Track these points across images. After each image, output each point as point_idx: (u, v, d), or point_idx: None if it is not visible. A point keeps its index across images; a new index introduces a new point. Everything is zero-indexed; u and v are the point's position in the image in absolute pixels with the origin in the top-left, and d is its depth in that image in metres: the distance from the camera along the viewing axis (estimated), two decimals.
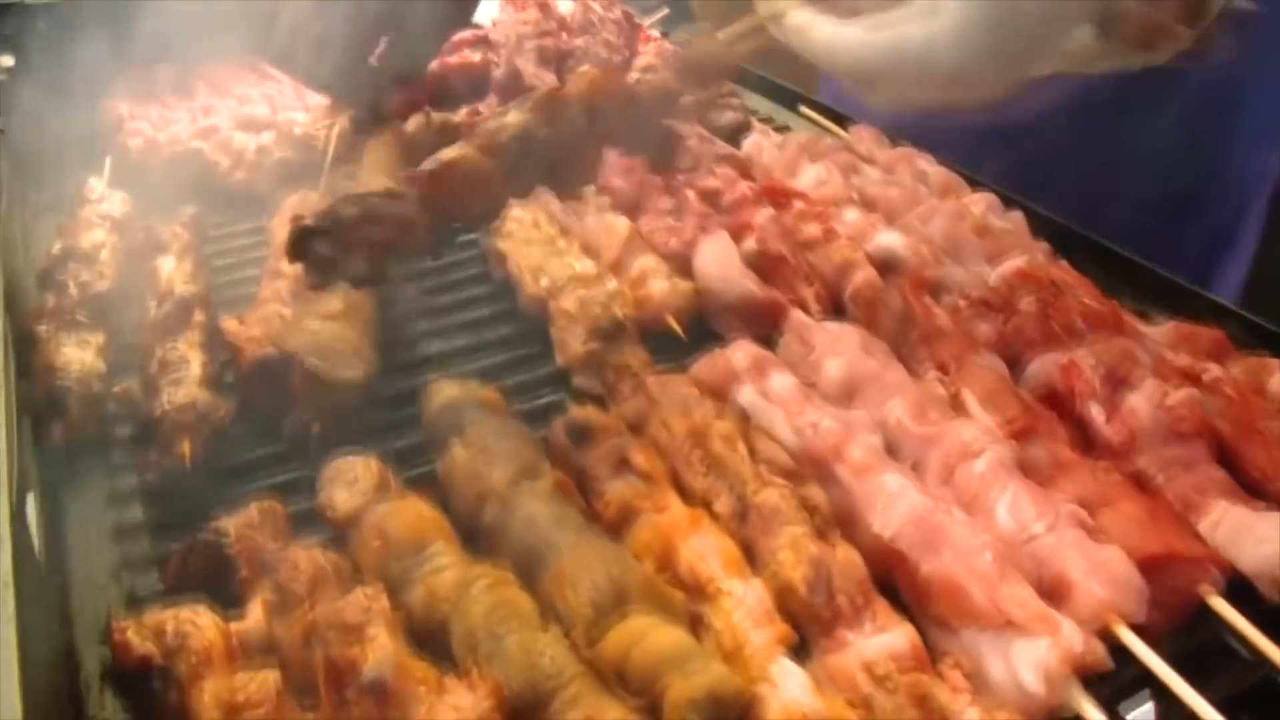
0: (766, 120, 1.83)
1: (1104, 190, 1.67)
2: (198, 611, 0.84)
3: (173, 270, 1.26)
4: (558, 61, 1.68)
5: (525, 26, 1.77)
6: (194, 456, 1.02)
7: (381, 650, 0.77)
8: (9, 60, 1.73)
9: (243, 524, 0.91)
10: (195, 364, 1.11)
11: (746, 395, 1.08)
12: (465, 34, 1.87)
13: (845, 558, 0.88)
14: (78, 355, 1.15)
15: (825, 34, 1.12)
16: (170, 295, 1.19)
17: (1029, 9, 1.01)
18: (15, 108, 1.67)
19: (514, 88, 1.60)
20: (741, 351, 1.13)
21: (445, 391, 1.06)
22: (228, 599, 0.89)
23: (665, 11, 2.12)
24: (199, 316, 1.19)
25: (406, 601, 0.86)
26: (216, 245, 1.47)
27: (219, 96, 1.82)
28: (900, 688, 0.79)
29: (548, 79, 1.61)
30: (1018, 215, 1.44)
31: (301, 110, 1.75)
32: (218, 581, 0.90)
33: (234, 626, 0.85)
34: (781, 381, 1.09)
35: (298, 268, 1.23)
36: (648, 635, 0.80)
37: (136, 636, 0.81)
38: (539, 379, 1.20)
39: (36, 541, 0.96)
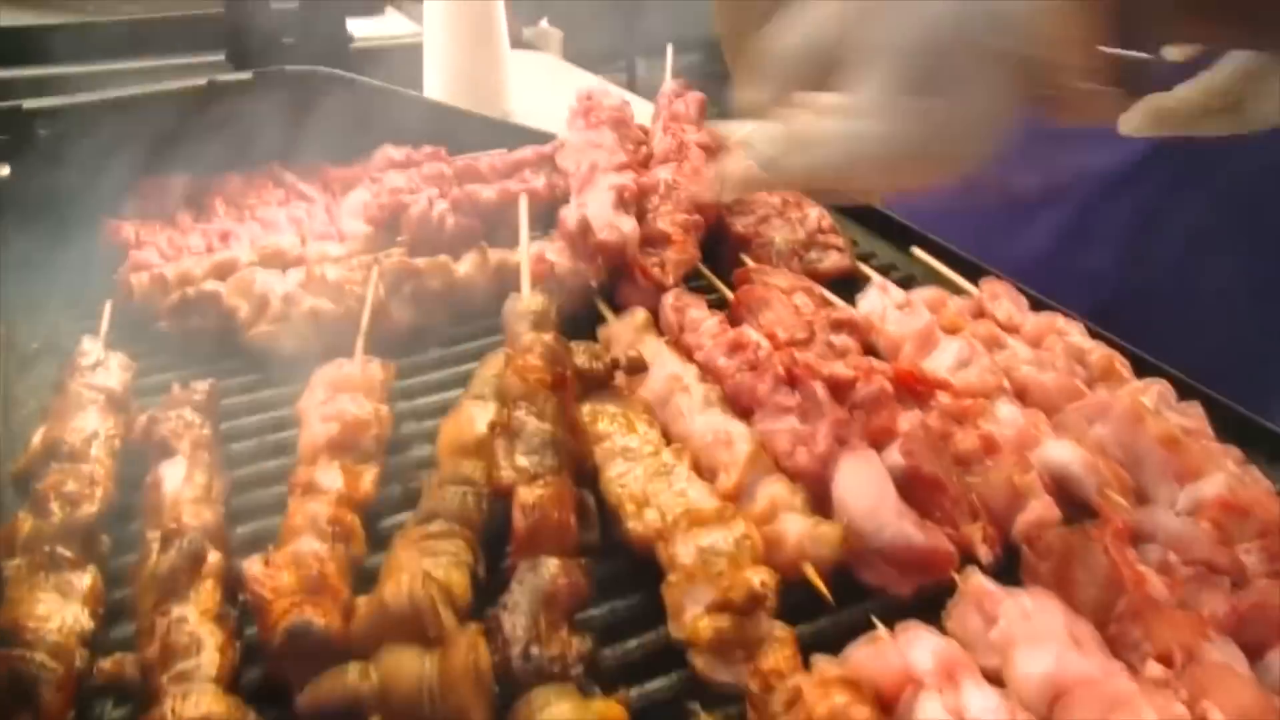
0: (866, 257, 1.59)
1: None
2: None
3: (180, 486, 1.01)
4: (639, 202, 1.43)
5: (599, 151, 1.51)
6: None
7: None
8: (4, 171, 1.48)
9: None
10: (210, 648, 0.85)
11: (931, 712, 0.82)
12: (526, 153, 1.62)
13: None
14: (57, 609, 0.90)
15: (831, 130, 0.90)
16: (177, 534, 0.93)
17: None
18: (8, 228, 1.42)
19: (584, 240, 1.34)
20: (920, 647, 0.87)
21: (551, 709, 0.79)
22: None
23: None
24: (214, 558, 0.93)
25: None
26: (234, 423, 1.21)
27: (239, 218, 1.57)
28: None
29: (624, 228, 1.36)
30: (1196, 408, 1.20)
31: (335, 239, 1.50)
32: None
33: None
34: (981, 700, 0.83)
35: (336, 482, 1.00)
36: None
37: None
38: (648, 650, 0.94)
39: None
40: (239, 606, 0.93)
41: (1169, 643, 0.89)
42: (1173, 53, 1.11)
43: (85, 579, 0.94)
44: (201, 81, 1.62)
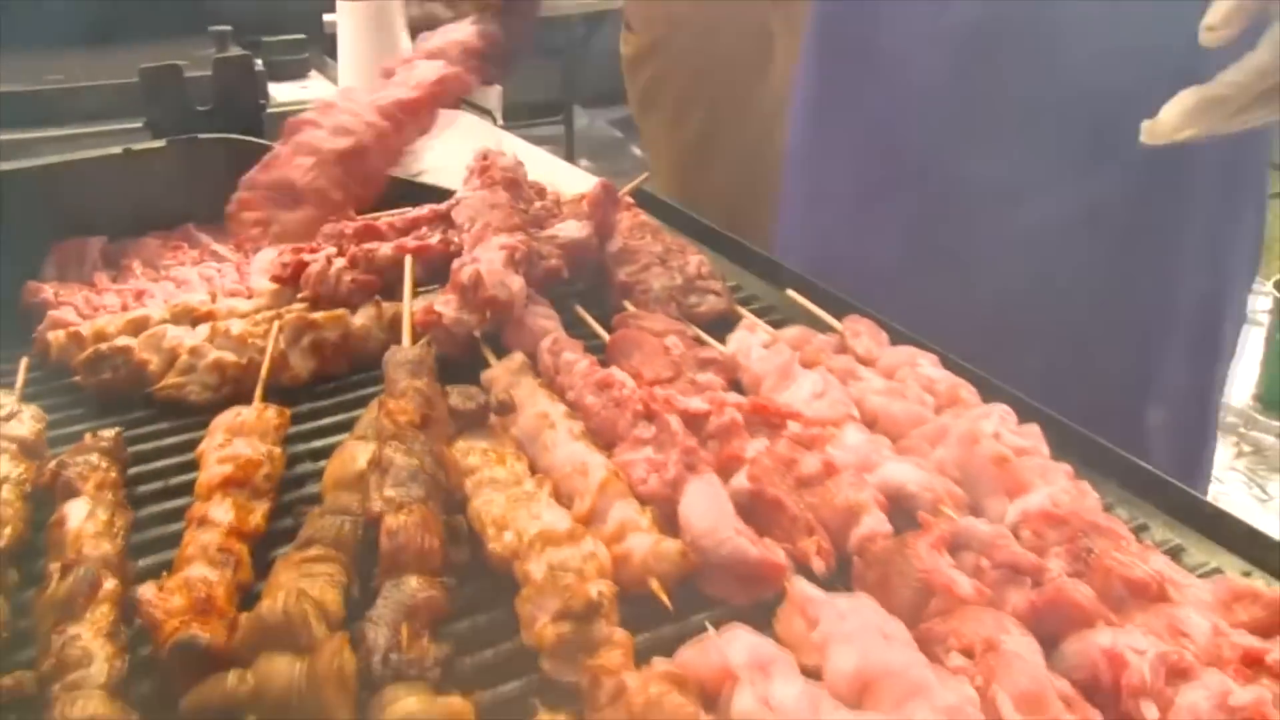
0: (747, 301, 1.70)
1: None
2: None
3: (82, 521, 1.10)
4: (527, 264, 1.53)
5: (493, 211, 1.62)
6: None
7: None
8: None
9: None
10: (100, 659, 0.94)
11: (745, 702, 0.92)
12: (423, 211, 1.73)
13: None
14: None
15: None
16: (76, 562, 1.03)
17: None
18: None
19: (475, 293, 1.45)
20: (738, 643, 0.97)
21: (402, 702, 0.89)
22: None
23: (645, 175, 2.01)
24: (111, 584, 1.03)
25: None
26: (142, 467, 1.30)
27: (154, 278, 1.67)
28: None
29: (513, 286, 1.46)
30: (1034, 429, 1.31)
31: (244, 297, 1.60)
32: None
33: None
34: (786, 686, 0.93)
35: (228, 516, 1.10)
36: None
37: None
38: (503, 659, 1.04)
39: None
40: (134, 629, 1.02)
41: (971, 637, 1.00)
42: (1212, 37, 1.09)
43: None
44: (118, 150, 1.72)
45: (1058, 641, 1.02)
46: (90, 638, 0.97)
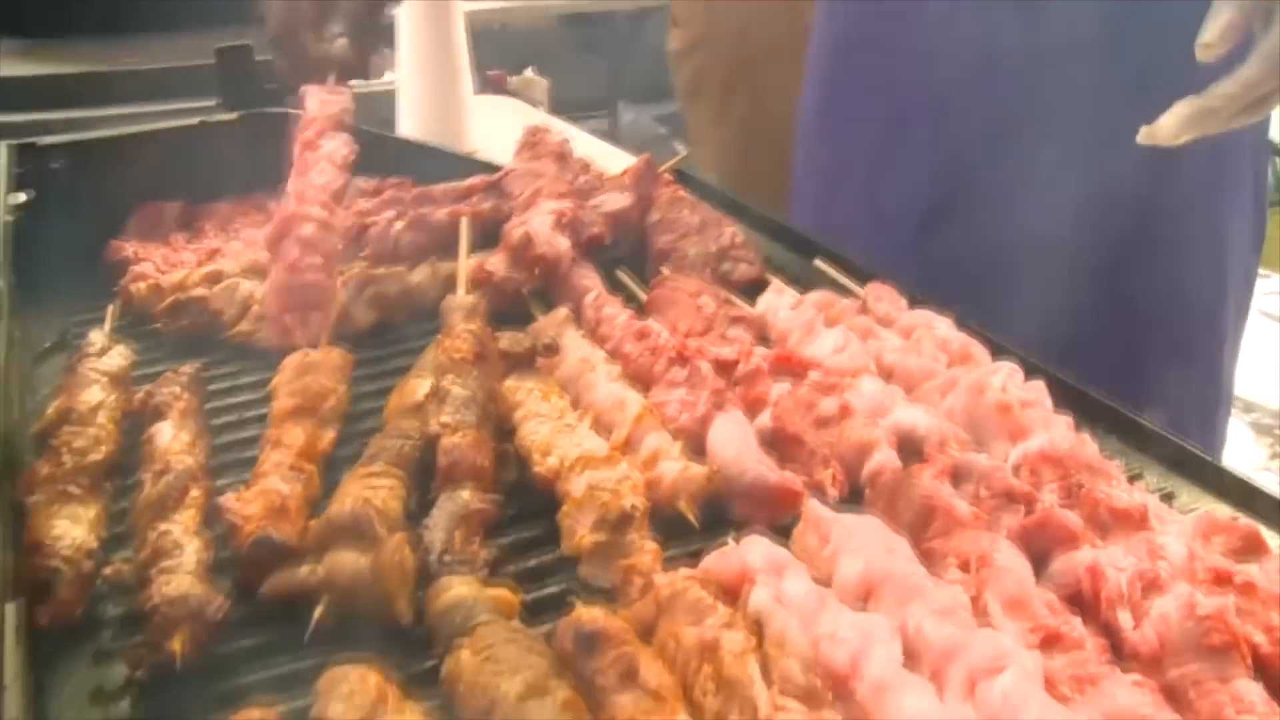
0: (779, 270, 1.81)
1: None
2: None
3: (170, 439, 1.23)
4: (574, 230, 1.66)
5: (541, 180, 1.75)
6: (185, 654, 0.98)
7: None
8: (23, 198, 1.72)
9: None
10: (190, 550, 1.07)
11: (760, 598, 1.04)
12: (476, 179, 1.85)
13: None
14: (69, 530, 1.12)
15: None
16: (166, 471, 1.16)
17: None
18: (25, 246, 1.65)
19: (525, 251, 1.57)
20: (755, 549, 1.09)
21: (454, 589, 1.01)
22: None
23: (685, 154, 2.12)
24: (196, 492, 1.16)
25: None
26: (220, 400, 1.44)
27: (226, 237, 1.80)
28: None
29: (560, 246, 1.58)
30: (1039, 384, 1.41)
31: None
32: None
33: None
34: (797, 585, 1.05)
35: (299, 439, 1.21)
36: None
37: None
38: (545, 565, 1.16)
39: None
40: (215, 536, 1.15)
41: (967, 553, 1.11)
42: (1208, 53, 1.18)
43: (91, 510, 1.16)
44: (194, 121, 1.86)
45: (1046, 561, 1.13)
46: (180, 532, 1.09)
